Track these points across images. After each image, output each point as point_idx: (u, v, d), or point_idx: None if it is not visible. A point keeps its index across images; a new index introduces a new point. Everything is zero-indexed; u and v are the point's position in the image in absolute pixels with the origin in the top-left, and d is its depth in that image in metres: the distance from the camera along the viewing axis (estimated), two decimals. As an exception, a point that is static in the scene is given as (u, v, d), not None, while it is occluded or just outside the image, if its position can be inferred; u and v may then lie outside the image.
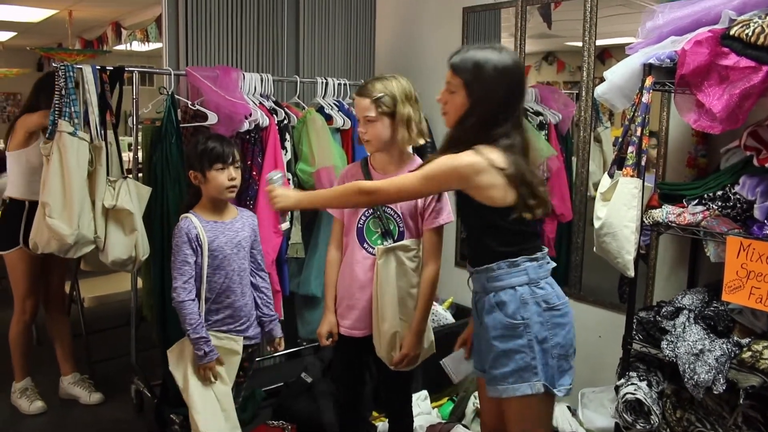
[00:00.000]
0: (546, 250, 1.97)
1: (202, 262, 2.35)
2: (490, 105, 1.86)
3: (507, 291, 1.88)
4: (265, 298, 2.57)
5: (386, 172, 2.28)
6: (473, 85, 1.87)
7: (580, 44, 3.03)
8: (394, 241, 2.26)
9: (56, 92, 2.71)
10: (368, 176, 2.29)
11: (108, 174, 2.78)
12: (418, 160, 2.30)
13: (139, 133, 3.06)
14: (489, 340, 1.90)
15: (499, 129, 1.86)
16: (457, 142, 1.91)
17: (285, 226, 2.27)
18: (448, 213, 2.26)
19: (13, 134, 3.10)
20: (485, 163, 1.83)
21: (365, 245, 2.29)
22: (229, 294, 2.42)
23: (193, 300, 2.33)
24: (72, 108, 2.71)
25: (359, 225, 2.30)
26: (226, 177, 2.36)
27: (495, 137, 1.86)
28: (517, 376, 1.86)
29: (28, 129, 3.04)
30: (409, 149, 2.37)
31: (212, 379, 2.36)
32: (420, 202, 2.26)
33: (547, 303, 1.89)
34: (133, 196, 2.79)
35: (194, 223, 2.35)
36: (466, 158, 1.84)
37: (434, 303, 3.42)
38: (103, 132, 2.82)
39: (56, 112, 2.69)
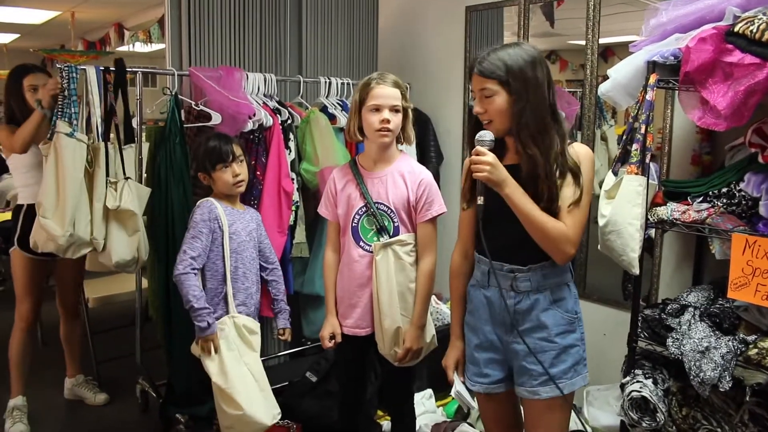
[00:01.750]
0: None
1: (225, 244, 2.42)
2: (537, 94, 1.79)
3: (563, 288, 1.91)
4: (275, 292, 2.66)
5: (375, 171, 2.29)
6: (512, 80, 1.78)
7: (582, 43, 3.03)
8: (390, 237, 2.27)
9: (59, 93, 2.72)
10: (359, 177, 2.30)
11: (108, 175, 2.77)
12: (406, 156, 2.35)
13: (143, 134, 3.06)
14: (548, 338, 1.87)
15: (557, 116, 1.83)
16: (528, 139, 1.79)
17: (480, 201, 1.86)
18: (440, 204, 2.28)
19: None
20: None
21: (361, 243, 2.30)
22: (243, 280, 2.50)
23: (195, 274, 2.39)
24: (72, 109, 2.71)
25: (353, 224, 2.30)
26: (231, 174, 2.46)
27: (562, 126, 1.84)
28: (574, 370, 1.88)
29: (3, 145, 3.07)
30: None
31: (213, 352, 2.38)
32: (412, 195, 2.27)
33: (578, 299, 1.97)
34: (134, 197, 2.78)
35: (216, 205, 2.45)
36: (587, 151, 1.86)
37: (438, 301, 3.44)
38: (105, 133, 2.81)
39: (57, 113, 2.70)
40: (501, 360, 1.98)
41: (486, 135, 1.82)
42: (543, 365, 1.86)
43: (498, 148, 1.86)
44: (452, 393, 2.15)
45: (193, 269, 2.38)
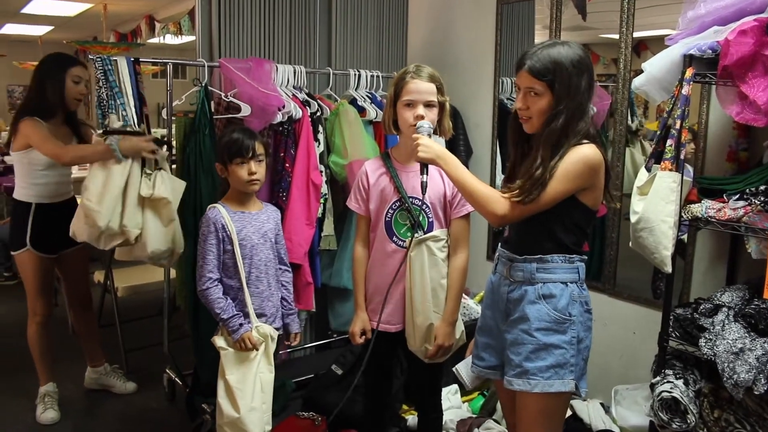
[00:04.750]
0: None
1: (234, 252, 2.36)
2: (575, 101, 1.80)
3: (557, 285, 1.87)
4: (285, 292, 2.56)
5: (410, 165, 2.25)
6: (557, 84, 1.79)
7: (615, 36, 2.97)
8: (425, 233, 2.24)
9: (96, 85, 2.75)
10: (393, 170, 2.27)
11: (144, 166, 2.77)
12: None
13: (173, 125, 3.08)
14: (528, 331, 1.87)
15: (582, 123, 1.83)
16: (547, 144, 1.83)
17: (424, 178, 2.05)
18: None
19: (15, 136, 2.94)
20: (601, 161, 1.83)
21: (394, 238, 2.27)
22: (258, 284, 2.42)
23: (216, 285, 2.36)
24: (117, 101, 2.75)
25: (387, 218, 2.28)
26: (246, 171, 2.35)
27: (581, 132, 1.82)
28: (553, 371, 1.84)
29: (29, 141, 2.89)
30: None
31: (252, 348, 2.35)
32: (449, 190, 2.25)
33: (587, 305, 1.92)
34: (168, 187, 2.78)
35: (221, 212, 2.37)
36: (592, 151, 1.81)
37: (465, 297, 3.41)
38: (137, 123, 2.83)
39: (102, 107, 2.74)
40: (497, 347, 2.04)
41: (424, 124, 2.07)
42: (501, 358, 1.96)
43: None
44: (454, 367, 2.22)
45: (213, 282, 2.35)
